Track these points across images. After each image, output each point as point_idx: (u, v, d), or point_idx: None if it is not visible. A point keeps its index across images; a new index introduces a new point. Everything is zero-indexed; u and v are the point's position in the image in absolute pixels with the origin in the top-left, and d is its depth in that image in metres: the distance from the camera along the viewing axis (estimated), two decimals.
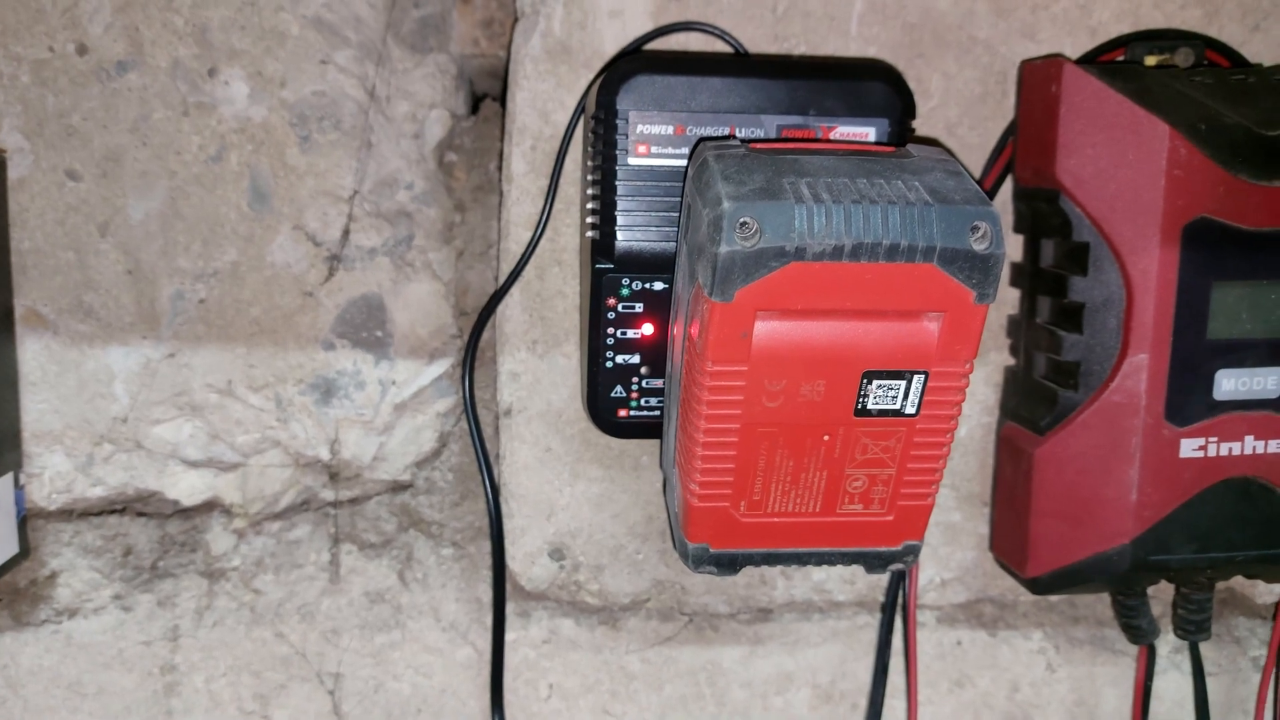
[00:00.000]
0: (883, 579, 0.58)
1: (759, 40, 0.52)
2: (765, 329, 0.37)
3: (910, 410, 0.39)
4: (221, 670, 0.57)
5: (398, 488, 0.58)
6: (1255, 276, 0.46)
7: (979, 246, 0.36)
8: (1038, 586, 0.52)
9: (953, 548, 0.58)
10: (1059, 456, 0.50)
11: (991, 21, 0.53)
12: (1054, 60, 0.48)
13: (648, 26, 0.52)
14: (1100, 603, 0.60)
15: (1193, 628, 0.55)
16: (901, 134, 0.46)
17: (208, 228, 0.53)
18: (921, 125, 0.54)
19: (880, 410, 0.39)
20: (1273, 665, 0.59)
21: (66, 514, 0.56)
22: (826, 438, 0.40)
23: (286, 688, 0.57)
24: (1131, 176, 0.46)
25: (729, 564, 0.43)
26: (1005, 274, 0.55)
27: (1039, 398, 0.51)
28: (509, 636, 0.57)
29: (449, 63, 0.56)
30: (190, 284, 0.54)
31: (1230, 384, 0.47)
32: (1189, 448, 0.48)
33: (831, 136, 0.45)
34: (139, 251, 0.53)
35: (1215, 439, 0.48)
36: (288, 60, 0.52)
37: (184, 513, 0.56)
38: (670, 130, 0.45)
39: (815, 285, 0.36)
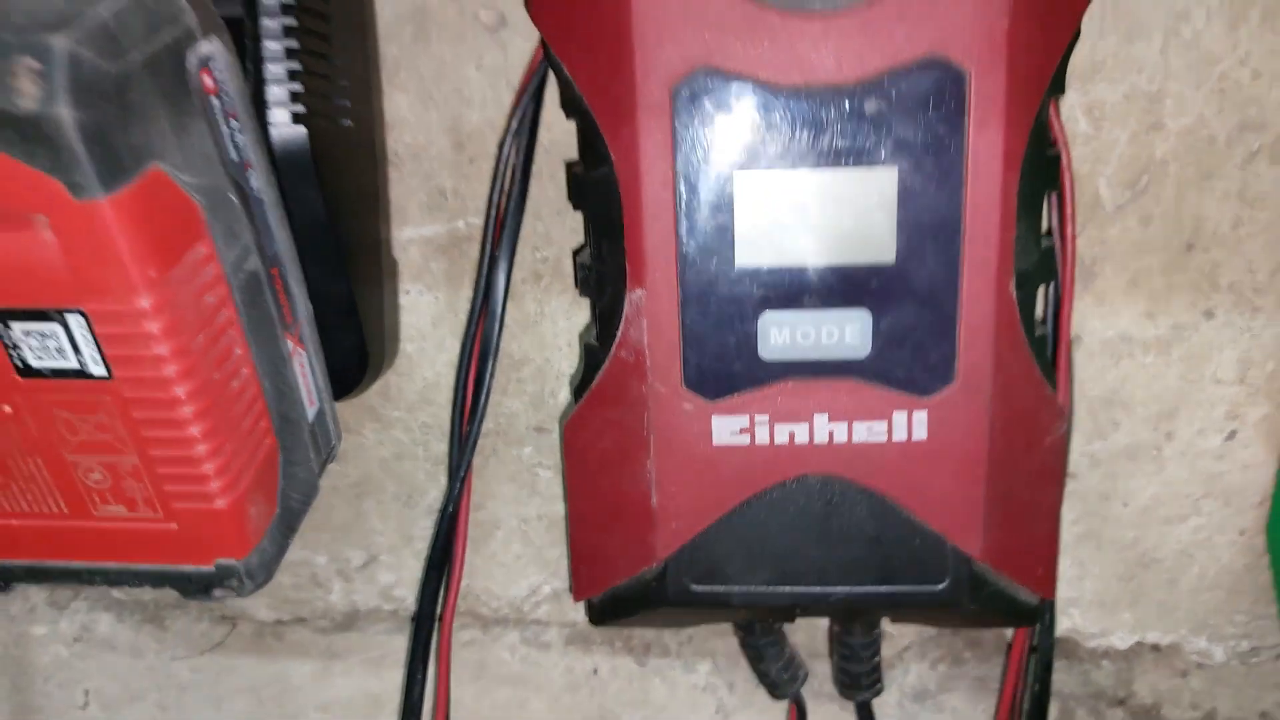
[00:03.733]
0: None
1: None
2: None
3: (98, 370, 0.26)
4: None
5: None
6: None
7: (21, 103, 0.22)
8: (593, 614, 0.37)
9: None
10: (582, 436, 0.35)
11: None
12: None
13: None
14: None
15: (849, 679, 0.39)
16: None
17: None
18: None
19: (55, 370, 0.26)
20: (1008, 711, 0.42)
21: None
22: (8, 409, 0.27)
23: None
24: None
25: None
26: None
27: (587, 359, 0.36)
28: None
29: None
30: None
31: (781, 336, 0.31)
32: (725, 430, 0.32)
33: None
34: None
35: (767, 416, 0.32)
36: None
37: None
38: None
39: None
